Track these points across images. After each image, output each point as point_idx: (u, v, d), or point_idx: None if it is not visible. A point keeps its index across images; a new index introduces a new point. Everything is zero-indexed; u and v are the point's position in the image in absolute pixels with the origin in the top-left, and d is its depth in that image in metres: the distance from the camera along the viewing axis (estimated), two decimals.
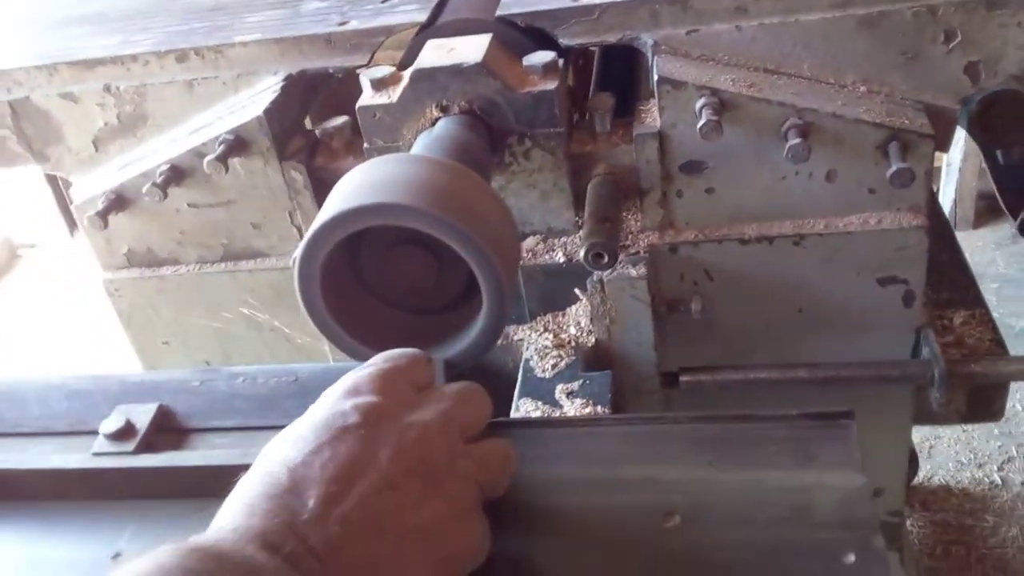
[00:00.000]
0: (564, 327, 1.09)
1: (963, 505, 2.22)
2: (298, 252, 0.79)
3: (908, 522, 2.11)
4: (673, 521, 0.68)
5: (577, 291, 1.08)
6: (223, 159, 1.06)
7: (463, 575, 0.60)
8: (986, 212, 3.09)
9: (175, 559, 0.50)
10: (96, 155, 1.21)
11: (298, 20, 1.15)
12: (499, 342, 0.85)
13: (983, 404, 1.21)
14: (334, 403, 0.62)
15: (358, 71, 1.08)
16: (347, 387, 0.64)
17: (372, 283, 0.86)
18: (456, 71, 1.00)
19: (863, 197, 1.03)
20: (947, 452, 2.34)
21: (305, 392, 0.78)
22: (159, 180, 1.10)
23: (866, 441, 0.76)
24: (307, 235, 0.78)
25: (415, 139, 1.04)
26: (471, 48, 1.02)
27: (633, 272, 1.04)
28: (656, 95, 1.02)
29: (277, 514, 0.54)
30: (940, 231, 1.30)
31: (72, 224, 3.99)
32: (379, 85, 1.05)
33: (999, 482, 2.25)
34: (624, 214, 1.08)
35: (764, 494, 0.72)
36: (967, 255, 1.39)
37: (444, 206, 0.76)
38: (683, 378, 1.12)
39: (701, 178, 1.05)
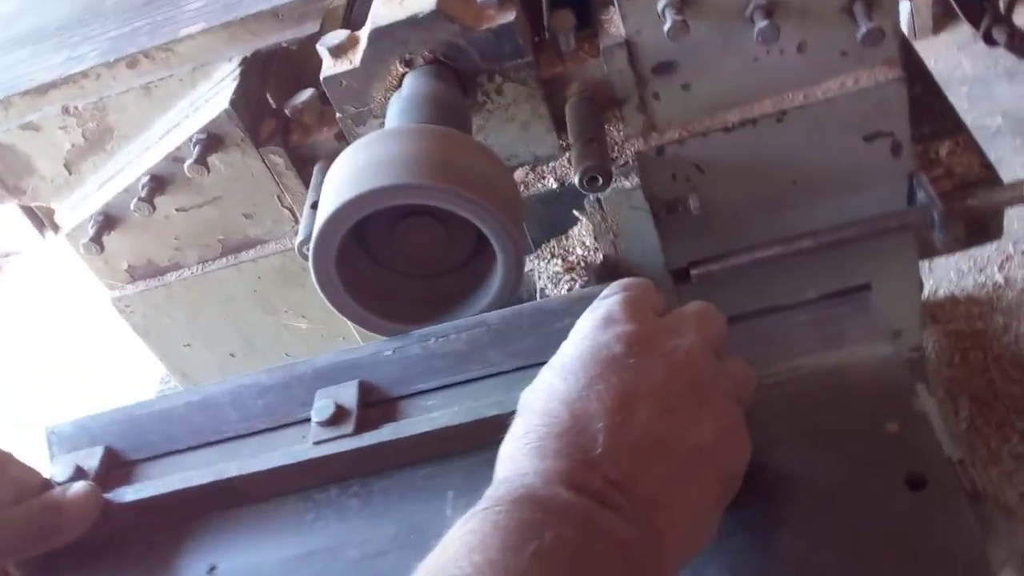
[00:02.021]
0: (570, 250, 1.11)
1: (971, 311, 2.26)
2: (311, 243, 0.79)
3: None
4: None
5: (576, 212, 1.09)
6: (202, 160, 1.05)
7: (736, 489, 0.60)
8: (943, 16, 3.04)
9: (504, 516, 0.49)
10: (71, 178, 1.19)
11: None
12: None
13: (981, 228, 1.24)
14: (593, 334, 0.60)
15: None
16: (601, 316, 0.62)
17: (383, 256, 0.87)
18: (413, 22, 0.98)
19: (836, 61, 1.03)
20: (947, 264, 2.37)
21: (501, 339, 0.76)
22: (143, 193, 1.09)
23: (879, 290, 0.78)
24: (317, 225, 0.79)
25: (386, 99, 1.03)
26: None
27: (627, 184, 1.05)
28: (616, 3, 1.00)
29: (569, 452, 0.54)
30: (911, 64, 1.30)
31: (41, 226, 3.93)
32: (338, 51, 1.03)
33: (1002, 282, 2.29)
34: (606, 127, 1.08)
35: (803, 383, 0.75)
36: (931, 62, 1.38)
37: (446, 177, 0.77)
38: (694, 272, 1.14)
39: (675, 76, 1.04)
